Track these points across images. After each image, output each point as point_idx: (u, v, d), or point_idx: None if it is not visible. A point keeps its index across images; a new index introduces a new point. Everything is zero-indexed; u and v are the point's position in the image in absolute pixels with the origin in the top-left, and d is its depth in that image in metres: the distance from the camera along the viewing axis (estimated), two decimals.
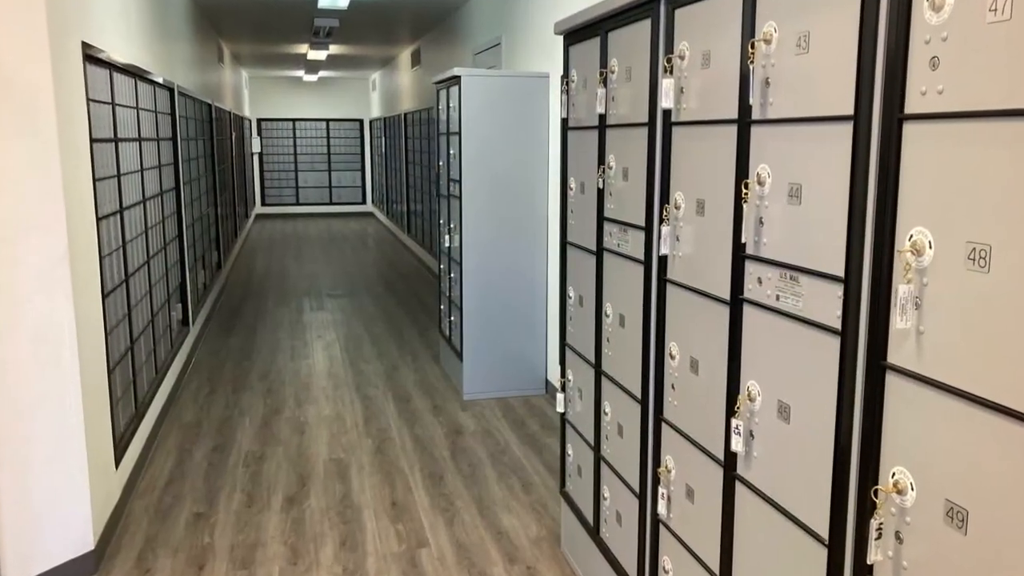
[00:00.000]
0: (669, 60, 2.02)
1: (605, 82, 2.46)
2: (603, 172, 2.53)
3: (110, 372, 3.44)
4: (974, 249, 1.14)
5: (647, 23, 2.15)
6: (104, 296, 3.40)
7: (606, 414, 2.61)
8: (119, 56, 4.02)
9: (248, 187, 14.33)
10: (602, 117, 2.51)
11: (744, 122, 1.71)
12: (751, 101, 1.67)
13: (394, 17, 8.64)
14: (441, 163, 5.46)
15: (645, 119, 2.20)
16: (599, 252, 2.60)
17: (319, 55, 11.45)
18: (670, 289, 2.13)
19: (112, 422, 3.42)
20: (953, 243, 1.18)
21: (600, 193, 2.56)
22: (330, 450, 4.19)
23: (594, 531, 2.76)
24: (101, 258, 3.39)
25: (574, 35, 2.74)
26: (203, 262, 7.20)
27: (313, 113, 17.02)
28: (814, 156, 1.48)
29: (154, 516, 3.47)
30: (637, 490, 2.38)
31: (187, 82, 6.77)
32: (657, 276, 2.18)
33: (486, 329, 4.99)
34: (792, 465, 1.60)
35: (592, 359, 2.71)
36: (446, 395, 5.11)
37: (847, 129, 1.38)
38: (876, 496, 1.35)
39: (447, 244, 5.35)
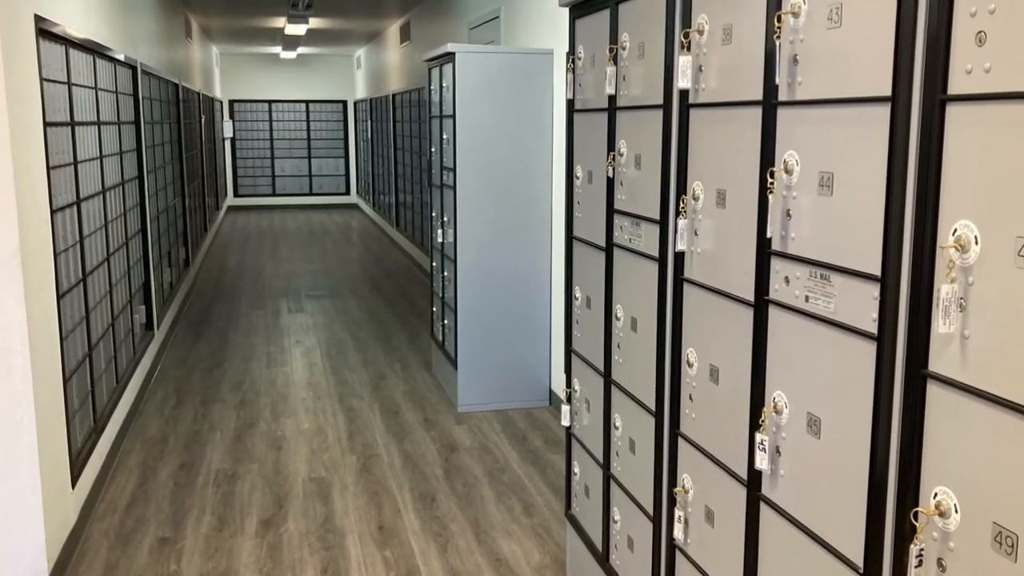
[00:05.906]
0: (686, 35, 2.02)
1: (615, 59, 2.46)
2: (613, 159, 2.53)
3: (66, 382, 3.44)
4: None
5: None
6: (59, 297, 3.40)
7: (616, 428, 2.61)
8: (76, 31, 4.02)
9: (219, 176, 14.34)
10: (612, 98, 2.51)
11: (769, 104, 1.71)
12: (777, 80, 1.67)
13: None
14: (433, 149, 5.47)
15: (660, 100, 2.20)
16: (609, 248, 2.60)
17: (298, 29, 11.46)
18: (687, 289, 2.13)
19: (68, 437, 3.43)
20: (1001, 238, 1.18)
21: (610, 183, 2.56)
22: (310, 468, 4.19)
23: (603, 558, 2.77)
24: (56, 255, 3.39)
25: (581, 7, 2.74)
26: (169, 259, 7.21)
27: (291, 94, 17.03)
28: (847, 141, 1.49)
29: (115, 541, 3.47)
30: (651, 512, 2.38)
31: (151, 60, 6.78)
32: (673, 275, 2.18)
33: (483, 334, 4.99)
34: (823, 484, 1.60)
35: (601, 367, 2.71)
36: (439, 407, 5.12)
37: (884, 112, 1.38)
38: (916, 519, 1.35)
39: (440, 239, 5.36)
